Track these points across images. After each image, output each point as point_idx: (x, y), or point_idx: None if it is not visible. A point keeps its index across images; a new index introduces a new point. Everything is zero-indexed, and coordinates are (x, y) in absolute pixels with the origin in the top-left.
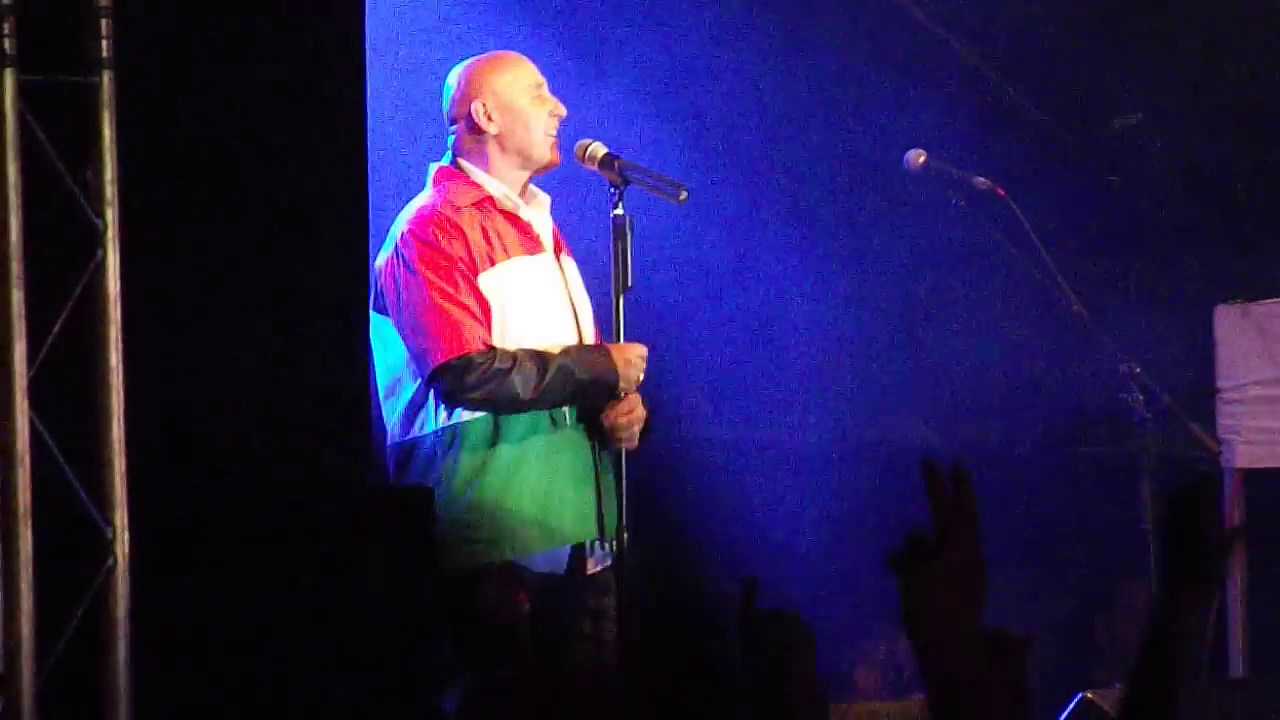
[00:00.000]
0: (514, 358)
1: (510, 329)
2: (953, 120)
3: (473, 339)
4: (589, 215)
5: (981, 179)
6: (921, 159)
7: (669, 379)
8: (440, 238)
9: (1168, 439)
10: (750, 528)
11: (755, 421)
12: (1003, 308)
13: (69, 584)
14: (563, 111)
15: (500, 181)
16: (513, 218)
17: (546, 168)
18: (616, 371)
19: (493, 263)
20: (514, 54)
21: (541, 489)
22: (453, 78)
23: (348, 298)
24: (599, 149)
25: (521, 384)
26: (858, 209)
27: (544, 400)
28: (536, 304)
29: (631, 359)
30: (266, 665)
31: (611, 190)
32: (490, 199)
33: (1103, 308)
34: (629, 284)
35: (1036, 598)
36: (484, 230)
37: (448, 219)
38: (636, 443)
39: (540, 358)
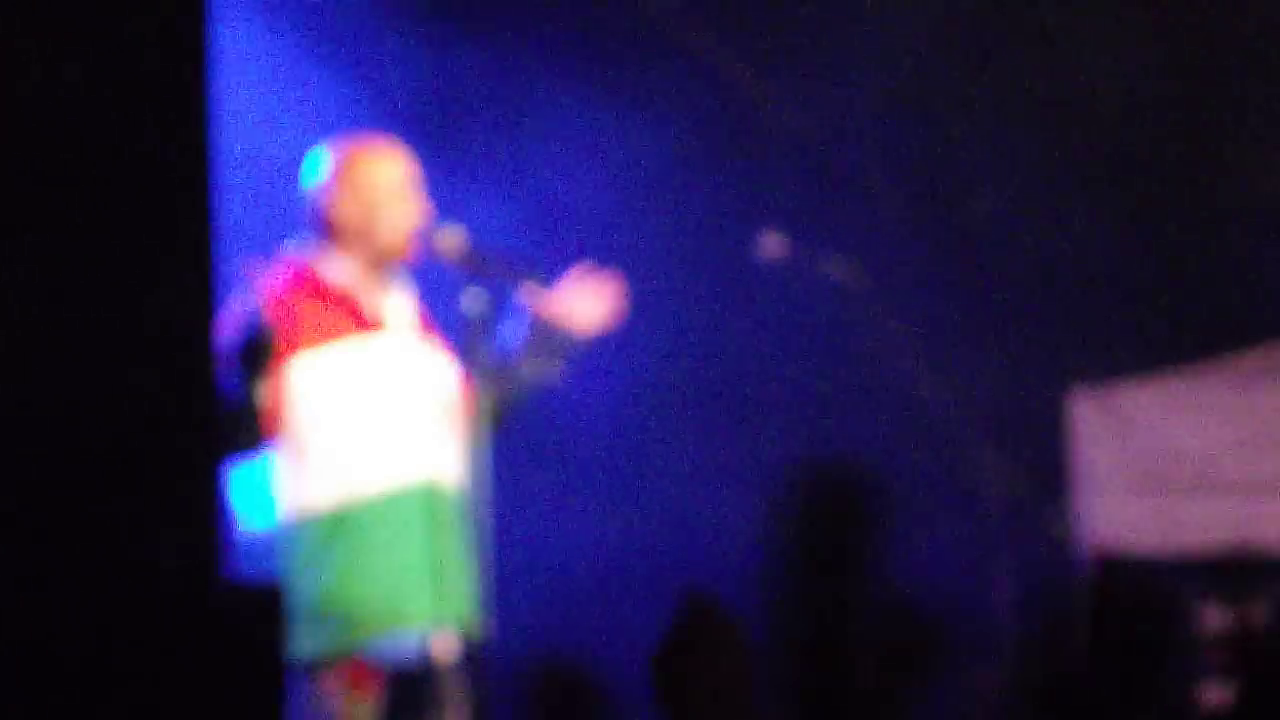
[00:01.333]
0: None
1: (338, 413)
2: (801, 194)
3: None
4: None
5: (836, 262)
6: (776, 243)
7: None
8: (269, 315)
9: (1023, 522)
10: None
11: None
12: (853, 392)
13: None
14: (424, 215)
15: (342, 267)
16: (346, 301)
17: (397, 261)
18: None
19: (312, 344)
20: (383, 144)
21: (383, 578)
22: (314, 158)
23: (198, 367)
24: (453, 238)
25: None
26: (713, 288)
27: (236, 395)
28: (369, 386)
29: None
30: None
31: (469, 281)
32: (322, 285)
33: (959, 393)
34: (488, 368)
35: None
36: (311, 318)
37: (281, 301)
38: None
39: None
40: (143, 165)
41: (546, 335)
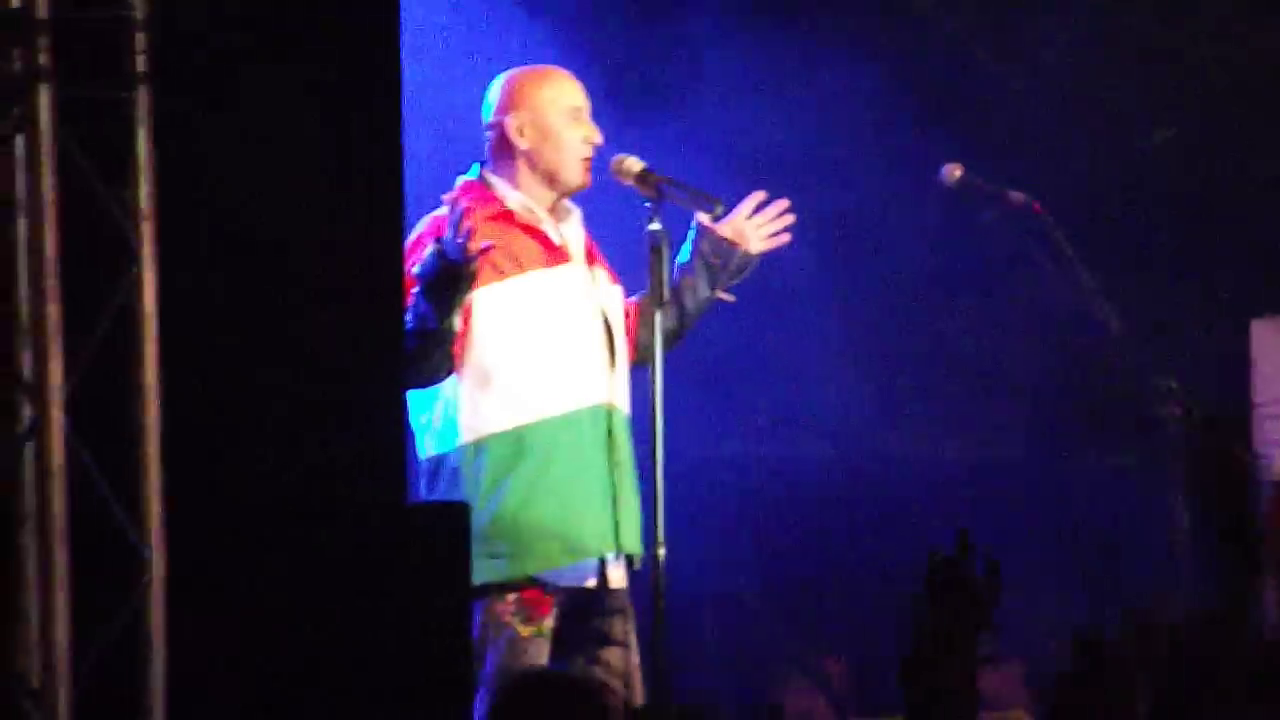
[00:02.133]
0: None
1: (525, 340)
2: (987, 135)
3: None
4: (620, 228)
5: (1017, 194)
6: (958, 173)
7: (688, 393)
8: (430, 238)
9: (1204, 453)
10: (772, 541)
11: (774, 437)
12: (1037, 323)
13: (106, 601)
14: (598, 139)
15: (525, 196)
16: (533, 230)
17: (575, 190)
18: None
19: (502, 275)
20: (559, 71)
21: (562, 502)
22: (494, 86)
23: (382, 313)
24: (635, 163)
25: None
26: (889, 224)
27: (421, 320)
28: (556, 315)
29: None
30: (302, 684)
31: (647, 205)
32: (509, 213)
33: (1139, 323)
34: (665, 298)
35: (1069, 608)
36: (497, 242)
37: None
38: (762, 245)
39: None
40: (335, 98)
41: (719, 254)
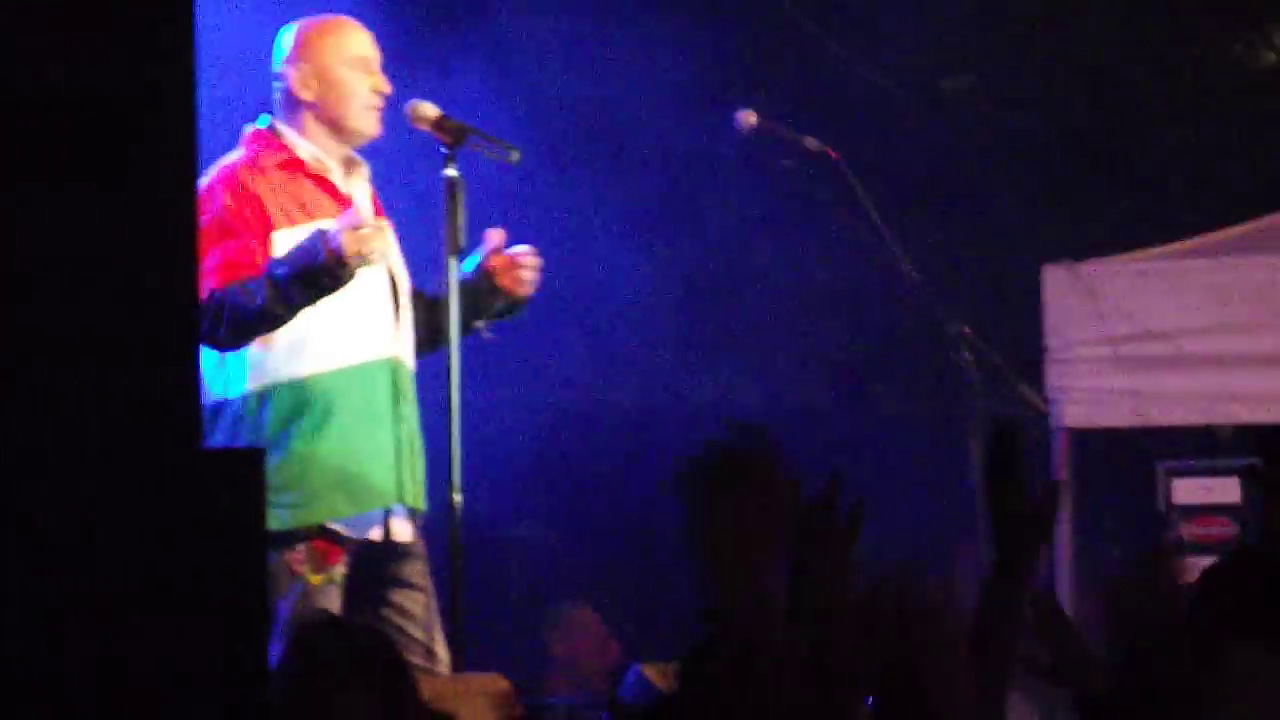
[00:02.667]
0: (228, 287)
1: None
2: (781, 79)
3: (211, 286)
4: (417, 177)
5: (812, 140)
6: (753, 118)
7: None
8: (226, 195)
9: (997, 400)
10: (573, 491)
11: (575, 384)
12: (832, 269)
13: None
14: (385, 88)
15: (315, 146)
16: (321, 181)
17: (364, 140)
18: (326, 244)
19: (291, 223)
20: (346, 20)
21: (347, 453)
22: (281, 37)
23: (176, 251)
24: (430, 109)
25: (240, 304)
26: (686, 168)
27: (286, 304)
28: None
29: (345, 229)
30: (90, 636)
31: (443, 150)
32: (298, 162)
33: (932, 269)
34: (461, 245)
35: (866, 558)
36: (285, 193)
37: (237, 178)
38: (528, 289)
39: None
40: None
41: (492, 293)
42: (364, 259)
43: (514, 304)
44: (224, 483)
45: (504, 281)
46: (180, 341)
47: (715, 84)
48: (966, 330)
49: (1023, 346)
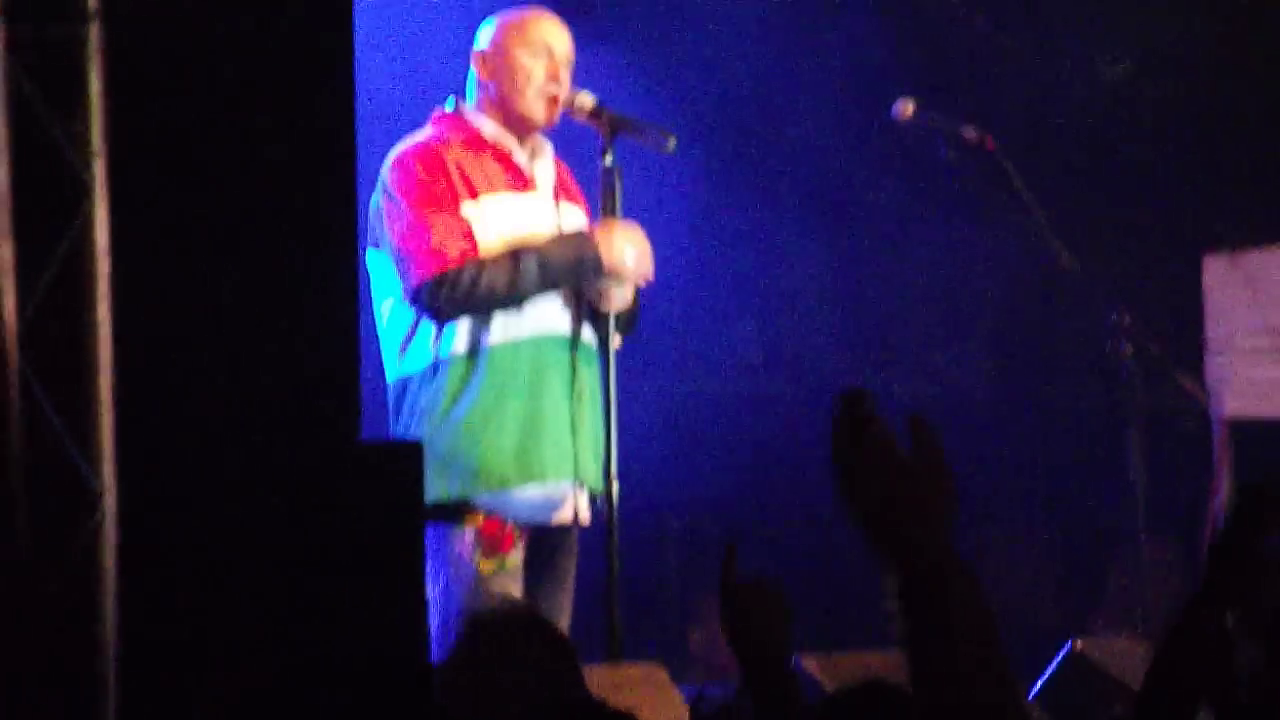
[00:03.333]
0: (481, 260)
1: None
2: (941, 68)
3: (449, 255)
4: (582, 167)
5: (971, 129)
6: (910, 108)
7: (657, 336)
8: (420, 167)
9: (1156, 389)
10: (741, 475)
11: (741, 377)
12: (992, 258)
13: (58, 535)
14: (562, 77)
15: (495, 125)
16: (503, 157)
17: (537, 128)
18: (598, 250)
19: (474, 195)
20: (544, 13)
21: (519, 424)
22: (482, 28)
23: (333, 245)
24: (587, 99)
25: (494, 281)
26: (845, 159)
27: (526, 288)
28: (521, 237)
29: (614, 238)
30: (254, 623)
31: (600, 140)
32: (481, 139)
33: (1092, 258)
34: None
35: (1027, 547)
36: (470, 165)
37: (431, 150)
38: (615, 303)
39: (513, 251)
40: (287, 32)
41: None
42: (623, 267)
43: (627, 317)
44: (380, 474)
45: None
46: (341, 335)
47: (873, 72)
48: (1127, 320)
49: (1184, 337)
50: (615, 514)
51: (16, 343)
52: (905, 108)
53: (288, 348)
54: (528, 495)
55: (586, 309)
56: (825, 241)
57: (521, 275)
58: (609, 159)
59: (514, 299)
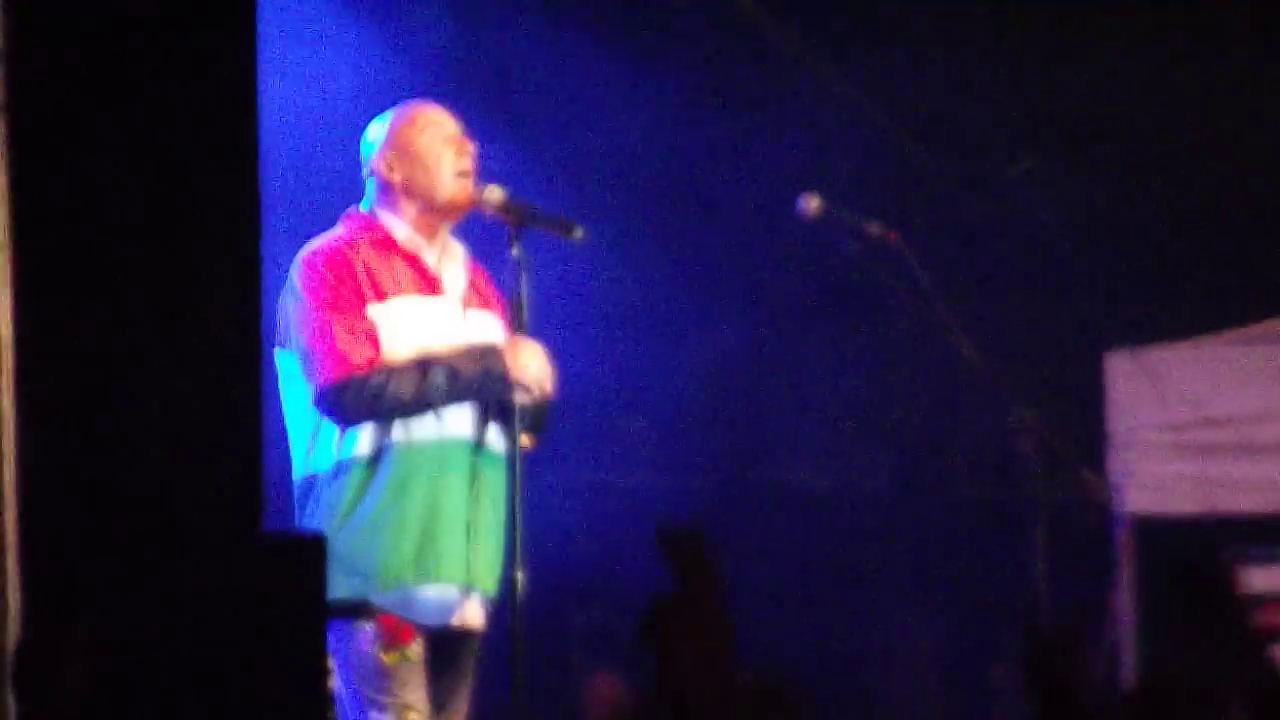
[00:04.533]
0: (389, 369)
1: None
2: (842, 163)
3: (353, 360)
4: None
5: (874, 224)
6: (815, 204)
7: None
8: (327, 269)
9: (1059, 484)
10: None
11: (638, 464)
12: (895, 352)
13: None
14: (469, 148)
15: (409, 227)
16: (411, 259)
17: (459, 207)
18: (504, 365)
19: (381, 297)
20: (422, 102)
21: (418, 526)
22: (367, 133)
23: (239, 340)
24: (496, 192)
25: (400, 390)
26: (750, 252)
27: (432, 400)
28: (424, 341)
29: (520, 355)
30: (157, 713)
31: (507, 231)
32: (391, 240)
33: (994, 353)
34: (524, 324)
35: (926, 640)
36: (377, 266)
37: (339, 252)
38: (526, 397)
39: (422, 361)
40: (193, 125)
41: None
42: (530, 383)
43: (535, 420)
44: (284, 566)
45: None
46: (244, 428)
47: (773, 166)
48: (1030, 415)
49: (1085, 432)
50: (520, 604)
51: None
52: (810, 203)
53: (193, 441)
54: (424, 595)
55: (495, 410)
56: (729, 333)
57: (428, 386)
58: (516, 249)
59: (418, 409)
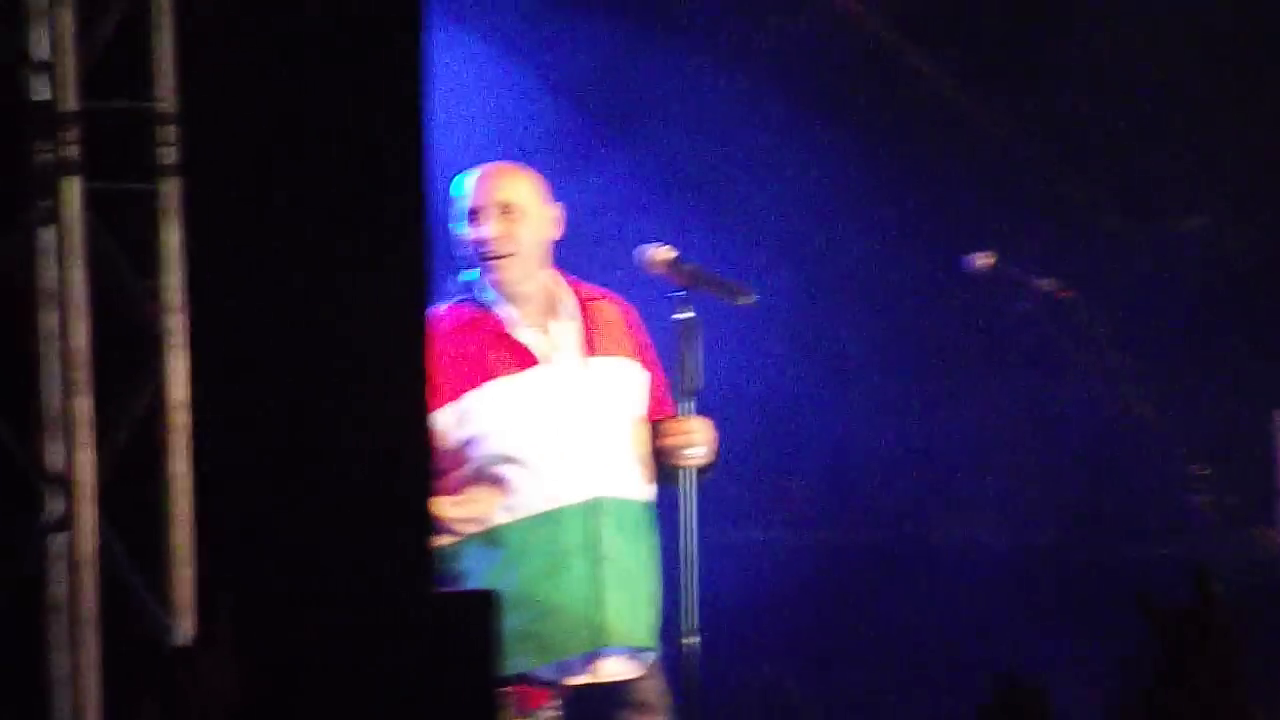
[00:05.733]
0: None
1: (495, 447)
2: (1019, 219)
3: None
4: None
5: (1047, 280)
6: (989, 261)
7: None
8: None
9: (1233, 539)
10: (806, 621)
11: (814, 523)
12: (1069, 408)
13: (139, 690)
14: (489, 215)
15: (503, 300)
16: (500, 334)
17: (504, 284)
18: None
19: (472, 385)
20: (468, 173)
21: (535, 603)
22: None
23: (410, 408)
24: (666, 252)
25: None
26: (921, 309)
27: None
28: (523, 419)
29: (685, 436)
30: None
31: (678, 293)
32: (481, 315)
33: (1168, 408)
34: (697, 386)
35: (1101, 695)
36: (461, 353)
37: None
38: (694, 462)
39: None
40: (360, 185)
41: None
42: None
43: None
44: (457, 624)
45: (665, 444)
46: (416, 489)
47: (949, 225)
48: (1204, 470)
49: (1256, 489)
50: (695, 669)
51: (94, 499)
52: (984, 259)
53: (368, 500)
54: (549, 667)
55: (626, 461)
56: (899, 393)
57: None
58: (686, 311)
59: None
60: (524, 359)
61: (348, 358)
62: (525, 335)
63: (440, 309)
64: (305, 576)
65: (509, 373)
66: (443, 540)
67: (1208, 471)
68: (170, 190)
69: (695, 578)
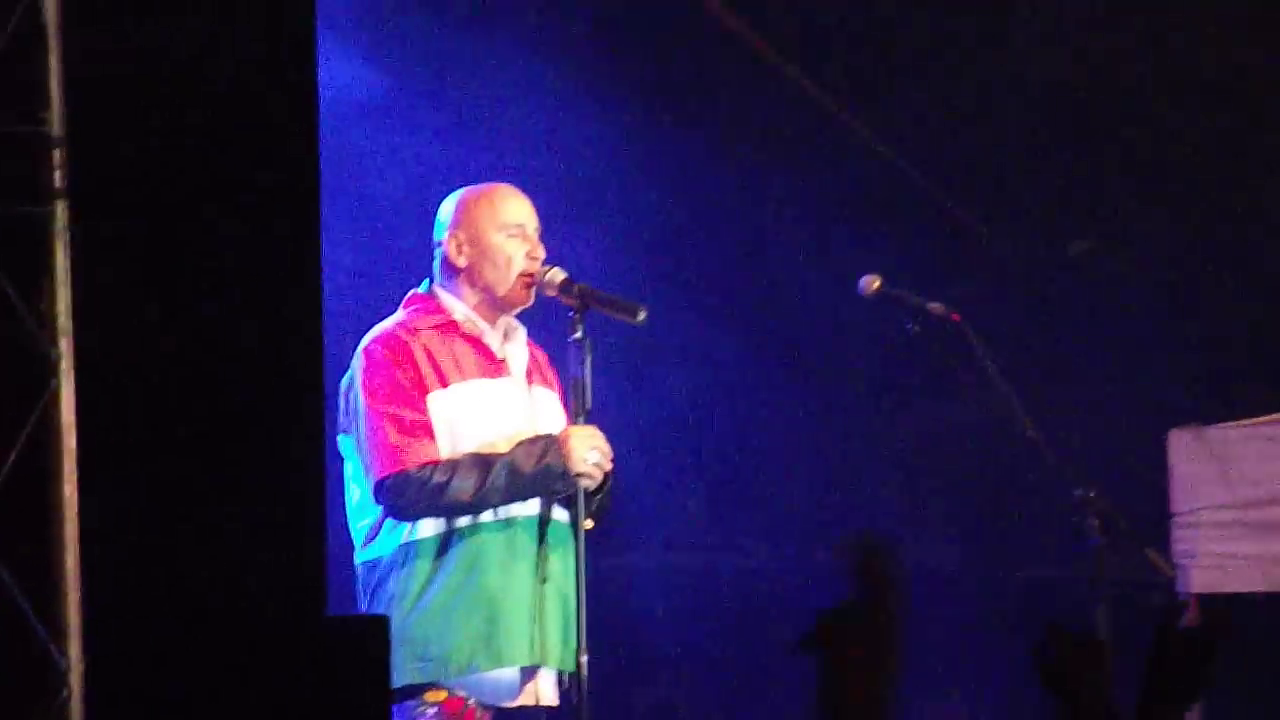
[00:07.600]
0: (453, 466)
1: (464, 447)
2: (907, 245)
3: (410, 456)
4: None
5: (936, 304)
6: (876, 284)
7: (625, 504)
8: (388, 357)
9: (1123, 564)
10: (707, 649)
11: (709, 545)
12: (956, 432)
13: (23, 714)
14: (539, 254)
15: (469, 309)
16: (475, 341)
17: (516, 306)
18: (564, 456)
19: (445, 383)
20: (503, 188)
21: (487, 609)
22: (442, 206)
23: (301, 429)
24: (557, 274)
25: (462, 490)
26: (812, 334)
27: (492, 499)
28: (492, 425)
29: (578, 443)
30: None
31: (570, 314)
32: (453, 323)
33: (1057, 432)
34: (588, 407)
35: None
36: (440, 351)
37: (399, 340)
38: (593, 472)
39: (482, 460)
40: (257, 204)
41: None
42: (588, 470)
43: (597, 504)
44: (348, 649)
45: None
46: (308, 512)
47: (841, 242)
48: (1094, 494)
49: (1149, 511)
50: (585, 687)
51: None
52: (871, 283)
53: (257, 526)
54: (493, 678)
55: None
56: (794, 407)
57: (489, 486)
58: (579, 333)
59: (478, 508)
60: (498, 367)
61: (239, 379)
62: (494, 345)
63: (402, 313)
64: (195, 600)
65: (486, 375)
66: (399, 542)
67: (1093, 494)
68: (59, 213)
69: (584, 598)
